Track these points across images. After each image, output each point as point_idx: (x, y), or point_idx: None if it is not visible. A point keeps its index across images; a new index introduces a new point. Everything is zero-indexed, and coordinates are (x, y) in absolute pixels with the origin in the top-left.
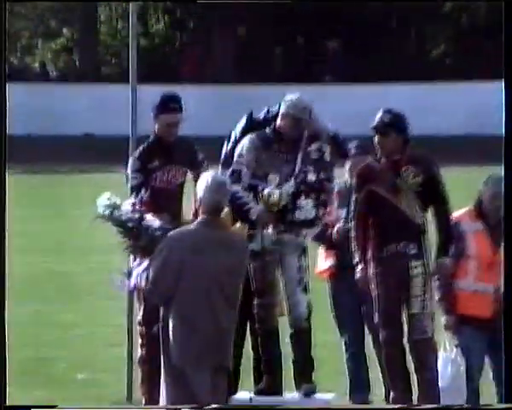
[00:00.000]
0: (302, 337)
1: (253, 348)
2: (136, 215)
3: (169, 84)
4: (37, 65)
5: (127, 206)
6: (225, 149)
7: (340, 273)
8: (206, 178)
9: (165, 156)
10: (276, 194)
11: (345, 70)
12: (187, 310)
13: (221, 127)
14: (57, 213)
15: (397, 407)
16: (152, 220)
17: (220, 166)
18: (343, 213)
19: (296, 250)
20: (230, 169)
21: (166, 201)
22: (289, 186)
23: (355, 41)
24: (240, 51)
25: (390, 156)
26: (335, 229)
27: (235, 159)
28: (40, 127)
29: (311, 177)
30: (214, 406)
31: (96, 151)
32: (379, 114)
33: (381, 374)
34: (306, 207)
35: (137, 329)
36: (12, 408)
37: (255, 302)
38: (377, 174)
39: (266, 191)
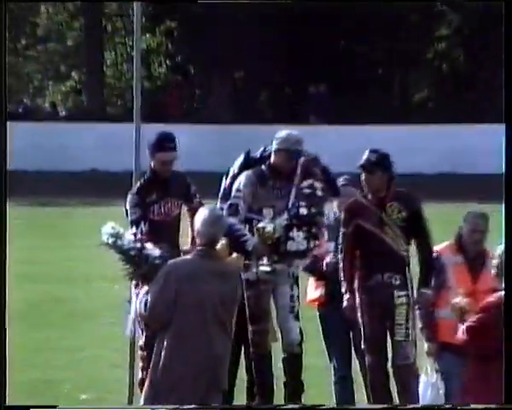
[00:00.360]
0: (294, 361)
1: (246, 371)
2: (138, 245)
3: (170, 123)
4: (47, 105)
5: (129, 236)
6: (224, 183)
7: (330, 302)
8: (204, 212)
9: (162, 190)
10: (270, 227)
11: (333, 112)
12: (183, 336)
13: (218, 164)
14: (64, 243)
15: (396, 404)
16: (152, 249)
17: (219, 200)
18: (332, 245)
19: (288, 280)
20: (228, 203)
21: (164, 231)
22: (282, 219)
23: (342, 85)
24: (237, 93)
25: (376, 193)
26: (325, 261)
27: (232, 193)
28: (50, 163)
29: (303, 211)
30: (215, 406)
31: (101, 185)
32: (366, 154)
33: (365, 396)
34: (298, 239)
35: (139, 353)
36: (12, 408)
37: (250, 328)
38: (364, 209)
39: (261, 225)
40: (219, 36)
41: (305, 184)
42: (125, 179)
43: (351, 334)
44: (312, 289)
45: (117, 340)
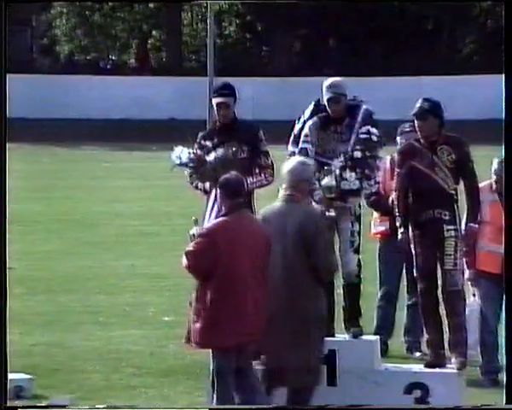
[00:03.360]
0: (352, 289)
1: None
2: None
3: (241, 76)
4: (132, 61)
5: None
6: (295, 129)
7: (391, 236)
8: (291, 161)
9: (224, 135)
10: (331, 183)
11: (386, 66)
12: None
13: (284, 113)
14: (147, 183)
15: (397, 407)
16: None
17: (290, 144)
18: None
19: (350, 217)
20: (299, 147)
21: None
22: (338, 162)
23: (395, 41)
24: (300, 48)
25: (428, 137)
26: (390, 199)
27: (302, 138)
28: (133, 112)
29: (358, 154)
30: (219, 406)
31: (178, 133)
32: (419, 102)
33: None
34: (350, 180)
35: None
36: (12, 408)
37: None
38: (417, 152)
39: (324, 182)
40: None
41: (363, 129)
42: (201, 128)
43: (403, 265)
44: (377, 223)
45: None
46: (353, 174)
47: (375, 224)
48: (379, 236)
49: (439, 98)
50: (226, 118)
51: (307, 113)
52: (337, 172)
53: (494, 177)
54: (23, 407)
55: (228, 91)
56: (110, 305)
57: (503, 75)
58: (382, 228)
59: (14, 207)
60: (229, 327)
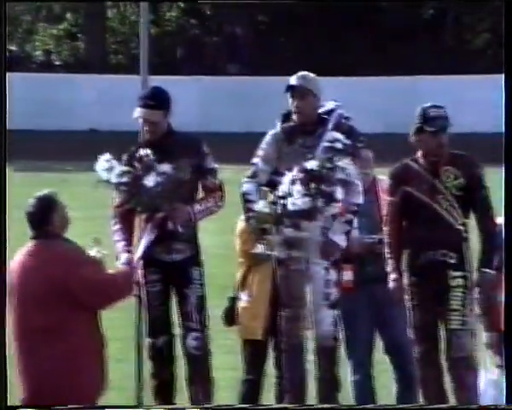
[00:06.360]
0: (327, 355)
1: (275, 365)
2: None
3: (183, 76)
4: (38, 53)
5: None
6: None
7: (357, 288)
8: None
9: (158, 153)
10: (266, 209)
11: (373, 63)
12: None
13: (237, 123)
14: None
15: (399, 406)
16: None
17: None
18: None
19: (322, 261)
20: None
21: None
22: (288, 177)
23: (384, 32)
24: (259, 40)
25: (429, 156)
26: (354, 239)
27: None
28: (42, 121)
29: (312, 164)
30: (216, 406)
31: (101, 147)
32: (418, 110)
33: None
34: (297, 197)
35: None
36: (13, 408)
37: (280, 315)
38: (415, 175)
39: (258, 207)
40: None
41: (329, 136)
42: (130, 142)
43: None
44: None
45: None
46: (302, 189)
47: None
48: (342, 288)
49: (443, 104)
50: (154, 134)
51: (278, 122)
52: (280, 191)
53: None
54: (24, 407)
55: (154, 103)
56: None
57: (504, 77)
58: (344, 279)
59: None
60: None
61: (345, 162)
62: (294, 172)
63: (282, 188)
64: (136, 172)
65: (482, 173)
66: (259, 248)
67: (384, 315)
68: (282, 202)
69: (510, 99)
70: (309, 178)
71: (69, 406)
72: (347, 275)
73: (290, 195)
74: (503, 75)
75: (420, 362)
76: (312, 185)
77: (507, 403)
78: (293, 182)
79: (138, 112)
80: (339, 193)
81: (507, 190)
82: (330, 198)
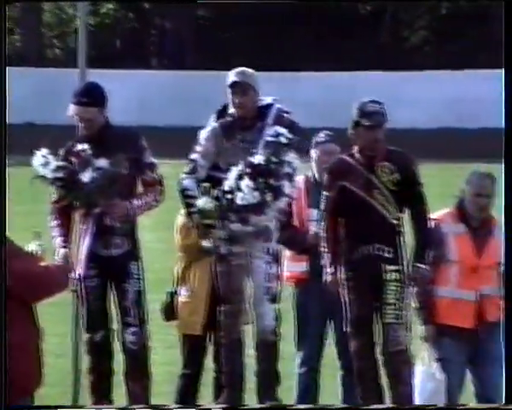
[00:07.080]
0: (267, 350)
1: (214, 360)
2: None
3: (122, 69)
4: None
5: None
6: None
7: (310, 280)
8: None
9: (95, 148)
10: (208, 205)
11: (312, 57)
12: None
13: (179, 116)
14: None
15: (398, 406)
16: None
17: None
18: (314, 213)
19: (264, 255)
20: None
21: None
22: (234, 172)
23: (323, 26)
24: (200, 35)
25: (365, 151)
26: (310, 231)
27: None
28: None
29: (259, 159)
30: (213, 406)
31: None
32: (355, 105)
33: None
34: (246, 191)
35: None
36: (13, 408)
37: (219, 309)
38: (350, 170)
39: (200, 203)
40: None
41: (271, 131)
42: (67, 136)
43: (328, 321)
44: (290, 264)
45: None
46: (251, 183)
47: (287, 264)
48: (293, 280)
49: (380, 99)
50: (91, 129)
51: (213, 117)
52: (226, 186)
53: (463, 198)
54: (24, 407)
55: (88, 100)
56: None
57: (503, 76)
58: (297, 270)
59: None
60: None
61: (291, 156)
62: (240, 167)
63: (228, 183)
64: (72, 167)
65: (417, 168)
66: (204, 243)
67: (336, 308)
68: (228, 196)
69: (510, 94)
70: (256, 172)
71: (72, 406)
72: (301, 266)
73: (238, 189)
74: (503, 71)
75: (355, 356)
76: (260, 180)
77: (507, 403)
78: (240, 177)
79: (72, 109)
80: (287, 187)
81: (507, 189)
82: (278, 192)
